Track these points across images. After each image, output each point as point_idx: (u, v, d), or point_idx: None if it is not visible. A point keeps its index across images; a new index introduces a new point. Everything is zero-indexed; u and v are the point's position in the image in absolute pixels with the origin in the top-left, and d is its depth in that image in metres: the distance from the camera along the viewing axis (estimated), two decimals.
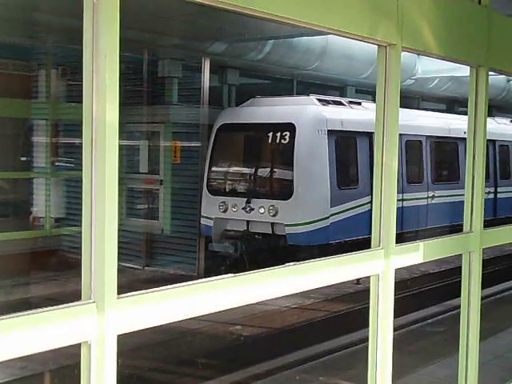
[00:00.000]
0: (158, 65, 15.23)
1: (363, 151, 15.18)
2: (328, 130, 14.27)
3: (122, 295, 2.52)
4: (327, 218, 14.20)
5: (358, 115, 15.47)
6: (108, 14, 2.44)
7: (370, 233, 4.01)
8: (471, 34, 4.90)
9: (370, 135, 14.75)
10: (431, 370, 8.48)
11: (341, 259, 3.81)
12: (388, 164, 3.96)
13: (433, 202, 17.39)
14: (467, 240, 5.03)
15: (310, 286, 3.64)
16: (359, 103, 16.20)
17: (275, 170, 14.76)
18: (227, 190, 14.93)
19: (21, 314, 2.28)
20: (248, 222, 14.40)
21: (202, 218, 14.84)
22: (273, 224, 14.11)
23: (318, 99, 14.94)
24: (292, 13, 3.30)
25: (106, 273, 2.46)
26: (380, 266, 3.95)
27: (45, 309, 2.35)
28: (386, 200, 3.96)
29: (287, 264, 3.38)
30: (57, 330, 2.37)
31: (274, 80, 18.03)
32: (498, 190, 20.01)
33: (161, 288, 2.69)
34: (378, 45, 3.95)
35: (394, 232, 4.03)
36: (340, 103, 15.70)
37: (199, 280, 2.88)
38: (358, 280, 12.13)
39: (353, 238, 14.28)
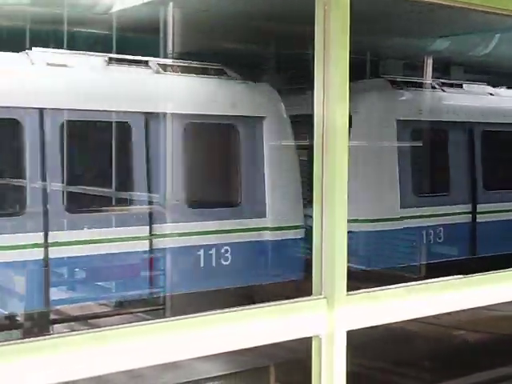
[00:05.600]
0: (379, 65, 15.19)
1: None
2: None
3: (351, 292, 2.59)
4: None
5: None
6: (339, 19, 2.52)
7: None
8: None
9: None
10: None
11: None
12: None
13: None
14: None
15: None
16: None
17: None
18: None
19: (257, 306, 2.43)
20: None
21: None
22: None
23: None
24: None
25: (337, 270, 2.54)
26: None
27: (278, 302, 2.48)
28: None
29: None
30: (289, 322, 2.50)
31: (498, 75, 17.26)
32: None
33: (391, 286, 2.72)
34: None
35: None
36: None
37: (427, 280, 2.86)
38: None
39: None
